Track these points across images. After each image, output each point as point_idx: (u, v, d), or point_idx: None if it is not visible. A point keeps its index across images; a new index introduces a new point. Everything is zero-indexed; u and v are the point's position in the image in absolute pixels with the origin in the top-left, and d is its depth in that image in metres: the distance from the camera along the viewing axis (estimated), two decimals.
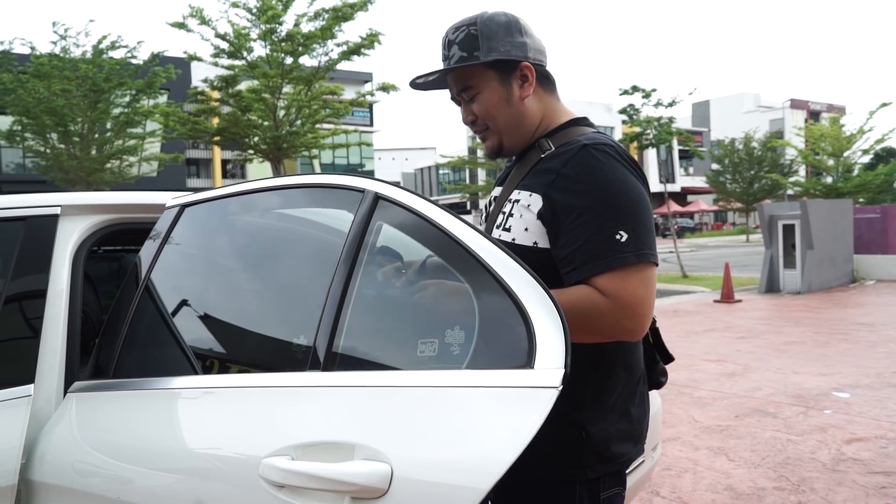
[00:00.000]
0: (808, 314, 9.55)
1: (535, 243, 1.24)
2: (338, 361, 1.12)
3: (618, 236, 1.13)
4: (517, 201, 1.28)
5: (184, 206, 1.63)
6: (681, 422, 4.67)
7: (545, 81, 1.33)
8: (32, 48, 18.29)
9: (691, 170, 57.70)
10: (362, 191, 1.24)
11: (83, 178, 19.24)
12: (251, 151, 15.53)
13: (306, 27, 14.17)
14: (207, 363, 1.46)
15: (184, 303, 1.57)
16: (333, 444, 1.02)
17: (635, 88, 15.55)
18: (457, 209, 51.12)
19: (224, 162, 37.34)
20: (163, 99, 21.71)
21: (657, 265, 1.18)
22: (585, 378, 1.23)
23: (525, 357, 0.93)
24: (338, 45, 14.45)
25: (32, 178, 23.13)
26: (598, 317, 1.14)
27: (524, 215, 1.25)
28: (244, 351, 1.43)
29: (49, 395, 1.57)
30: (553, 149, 1.28)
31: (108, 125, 19.70)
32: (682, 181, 56.75)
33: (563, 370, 0.89)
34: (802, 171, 36.29)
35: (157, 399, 1.42)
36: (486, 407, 0.94)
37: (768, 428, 4.45)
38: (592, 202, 1.16)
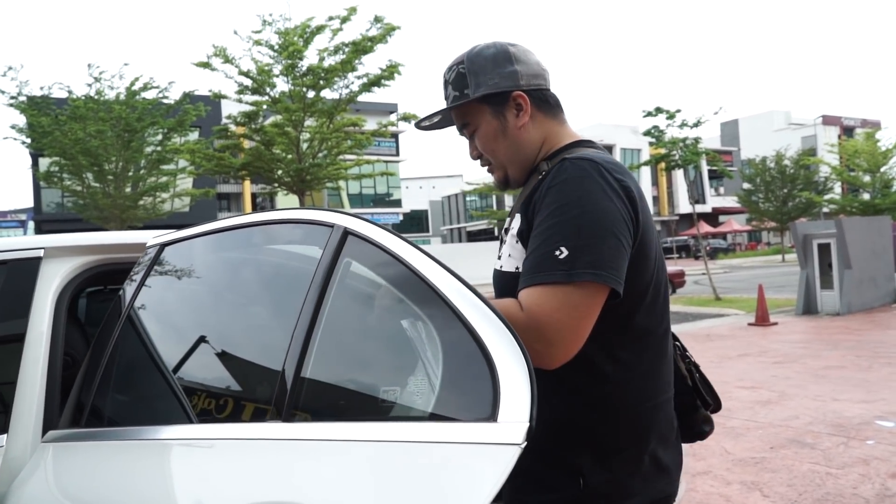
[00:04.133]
0: (848, 336, 9.16)
1: (517, 268, 1.17)
2: (299, 411, 1.05)
3: (557, 252, 1.04)
4: (509, 228, 1.24)
5: (163, 246, 1.59)
6: (712, 454, 4.45)
7: (544, 106, 1.28)
8: (70, 92, 18.99)
9: (722, 190, 56.86)
10: (331, 226, 1.18)
11: (117, 215, 19.77)
12: (276, 185, 15.76)
13: (327, 61, 14.44)
14: (179, 411, 1.40)
15: (158, 346, 1.51)
16: None
17: (659, 110, 15.41)
18: (484, 235, 51.07)
19: (254, 196, 38.04)
20: (194, 136, 22.28)
21: (606, 285, 1.04)
22: (585, 419, 1.13)
23: (489, 408, 0.85)
24: (358, 77, 14.68)
25: (71, 216, 23.81)
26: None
27: (508, 240, 1.22)
28: (215, 399, 1.36)
29: (24, 444, 1.52)
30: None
31: (142, 163, 20.26)
32: (712, 201, 55.90)
33: (528, 424, 0.81)
34: (838, 188, 35.43)
35: (131, 451, 1.35)
36: (445, 466, 0.86)
37: (806, 460, 4.20)
38: (549, 215, 1.09)
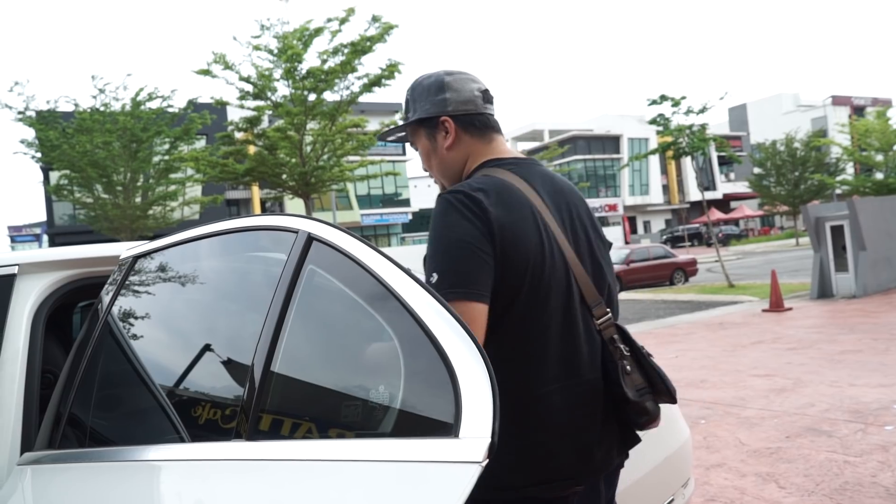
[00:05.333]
0: (865, 319, 9.00)
1: None
2: (263, 426, 1.00)
3: (431, 279, 1.18)
4: None
5: (136, 258, 1.55)
6: (726, 445, 4.36)
7: (470, 128, 1.42)
8: (76, 105, 19.13)
9: (732, 175, 56.35)
10: (296, 231, 1.14)
11: (127, 225, 19.90)
12: (281, 189, 15.76)
13: (327, 63, 14.41)
14: (157, 429, 1.35)
15: (134, 360, 1.47)
16: None
17: (664, 98, 15.25)
18: None
19: (262, 201, 38.17)
20: (201, 143, 22.40)
21: (476, 301, 1.16)
22: None
23: (451, 422, 0.80)
24: (359, 78, 14.63)
25: (82, 228, 24.03)
26: None
27: None
28: (186, 417, 1.31)
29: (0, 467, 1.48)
30: None
31: (150, 173, 20.38)
32: (723, 188, 55.39)
33: (490, 440, 0.76)
34: (850, 168, 34.95)
35: (110, 473, 1.31)
36: (404, 485, 0.81)
37: (823, 449, 4.11)
38: (428, 249, 1.24)
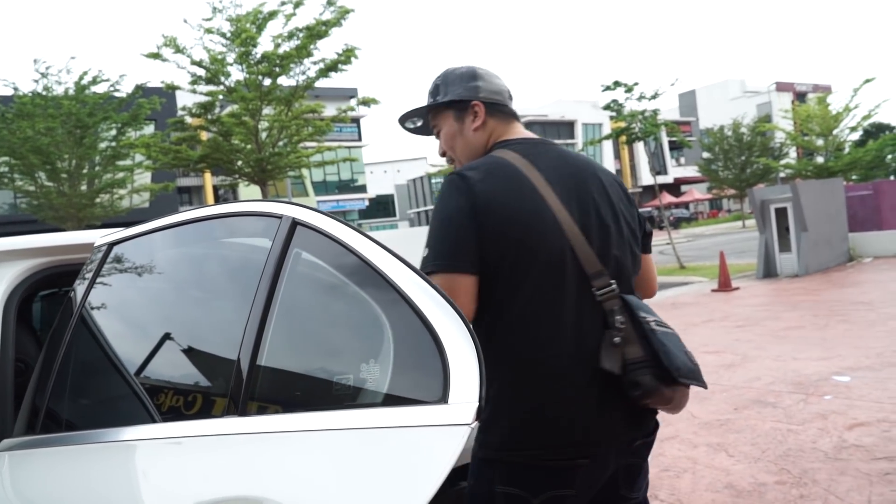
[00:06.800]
0: (807, 297, 9.46)
1: None
2: (255, 404, 1.05)
3: (424, 253, 1.29)
4: None
5: (111, 245, 1.55)
6: (678, 419, 4.57)
7: (497, 114, 1.54)
8: (15, 89, 18.29)
9: (683, 160, 57.74)
10: (279, 217, 1.18)
11: (74, 214, 19.20)
12: (236, 176, 15.47)
13: (282, 47, 14.15)
14: (135, 411, 1.38)
15: (111, 346, 1.49)
16: (242, 500, 0.94)
17: (617, 84, 15.52)
18: None
19: (215, 188, 37.31)
20: (149, 129, 21.71)
21: (460, 272, 1.25)
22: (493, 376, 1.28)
23: (440, 391, 0.87)
24: (315, 62, 14.43)
25: (25, 218, 23.05)
26: None
27: None
28: (171, 396, 1.35)
29: None
30: None
31: (96, 160, 19.67)
32: (674, 172, 56.75)
33: (478, 404, 0.83)
34: (793, 153, 36.29)
35: (89, 455, 1.33)
36: (399, 449, 0.88)
37: (768, 419, 4.35)
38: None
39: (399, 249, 1.05)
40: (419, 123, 1.65)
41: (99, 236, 1.62)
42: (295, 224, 1.15)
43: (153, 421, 1.32)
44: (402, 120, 1.66)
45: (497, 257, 1.28)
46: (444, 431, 0.82)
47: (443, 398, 0.85)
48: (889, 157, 30.09)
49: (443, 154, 1.60)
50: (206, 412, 1.19)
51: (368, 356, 0.97)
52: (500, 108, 1.55)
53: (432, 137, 1.63)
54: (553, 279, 1.30)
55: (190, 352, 1.35)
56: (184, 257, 1.51)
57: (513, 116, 1.57)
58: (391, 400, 0.92)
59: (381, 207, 56.97)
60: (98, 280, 1.53)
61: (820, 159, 27.58)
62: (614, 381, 1.30)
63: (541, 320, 1.29)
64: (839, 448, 3.71)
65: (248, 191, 29.37)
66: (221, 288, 1.42)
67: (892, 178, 33.88)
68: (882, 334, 6.50)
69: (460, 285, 1.24)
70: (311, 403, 1.04)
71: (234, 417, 1.05)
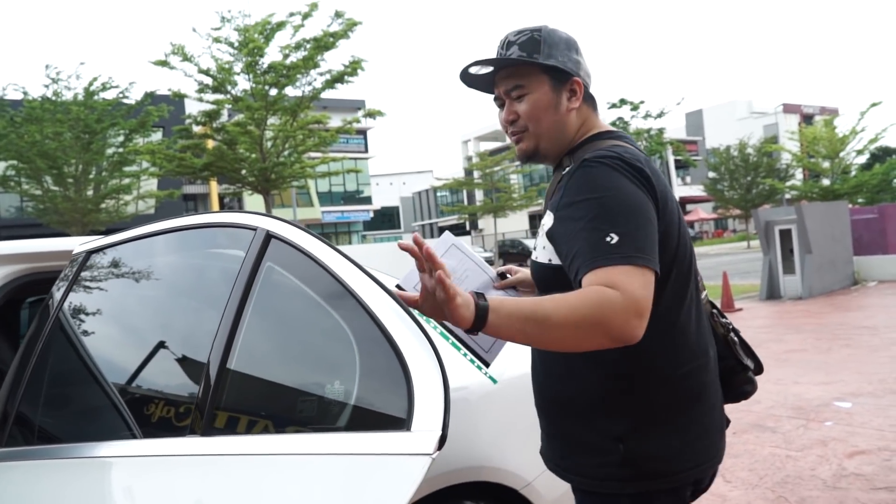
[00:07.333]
0: (810, 320, 9.37)
1: (550, 260, 1.26)
2: (218, 424, 1.01)
3: (608, 238, 1.10)
4: (544, 223, 1.31)
5: (89, 253, 1.52)
6: None
7: (589, 99, 1.38)
8: (25, 93, 18.44)
9: (688, 179, 57.74)
10: (254, 229, 1.15)
11: (78, 219, 19.28)
12: (240, 185, 15.51)
13: (289, 58, 14.24)
14: (108, 425, 1.34)
15: (86, 356, 1.45)
16: None
17: (623, 101, 15.57)
18: (456, 230, 50.89)
19: (221, 196, 37.43)
20: (157, 136, 21.83)
21: (654, 271, 1.12)
22: (621, 389, 1.22)
23: (404, 416, 0.84)
24: (321, 74, 14.51)
25: (30, 221, 23.19)
26: (610, 311, 1.04)
27: (540, 235, 1.30)
28: (139, 414, 1.31)
29: None
30: (571, 165, 1.30)
31: (103, 165, 19.78)
32: (679, 191, 56.66)
33: (441, 432, 0.80)
34: (799, 174, 36.23)
35: (62, 471, 1.29)
36: (360, 476, 0.84)
37: (767, 444, 4.27)
38: (585, 211, 1.15)
39: (403, 260, 1.01)
40: (483, 72, 1.34)
41: (78, 244, 1.59)
42: (269, 237, 1.12)
43: (120, 437, 1.28)
44: (473, 63, 1.33)
45: (669, 262, 1.21)
46: (405, 461, 0.78)
47: (406, 425, 0.81)
48: (895, 181, 30.00)
49: (511, 122, 1.35)
50: (170, 430, 1.15)
51: (334, 377, 0.94)
52: (591, 94, 1.39)
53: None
54: (696, 287, 1.30)
55: (160, 366, 1.32)
56: (159, 267, 1.48)
57: (595, 106, 1.42)
58: (355, 424, 0.89)
59: (386, 219, 57.08)
60: (74, 288, 1.49)
61: (826, 181, 27.52)
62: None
63: (693, 329, 1.27)
64: (839, 476, 3.63)
65: (253, 200, 29.45)
66: (190, 300, 1.38)
67: None
68: (885, 360, 6.41)
69: (653, 284, 1.11)
70: (275, 426, 1.00)
71: (195, 437, 1.01)
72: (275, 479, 0.90)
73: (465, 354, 1.24)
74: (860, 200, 25.94)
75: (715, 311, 1.39)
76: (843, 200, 18.17)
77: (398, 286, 1.21)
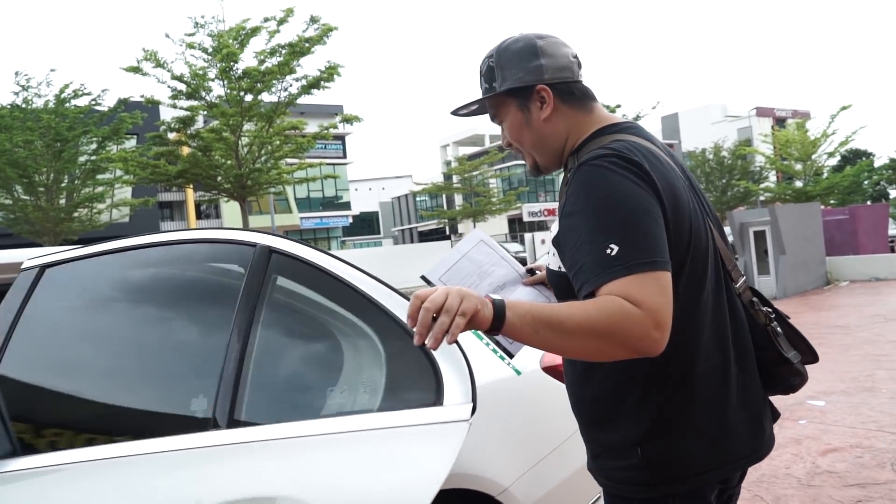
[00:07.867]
0: None
1: (560, 267, 1.23)
2: (242, 418, 1.07)
3: (608, 250, 1.07)
4: (552, 229, 1.30)
5: (43, 267, 1.47)
6: None
7: (569, 98, 1.30)
8: None
9: None
10: (254, 245, 1.20)
11: (50, 228, 18.92)
12: (216, 192, 15.36)
13: (264, 64, 14.16)
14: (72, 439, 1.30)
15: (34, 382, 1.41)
16: (253, 500, 0.98)
17: None
18: (436, 235, 51.06)
19: (197, 204, 37.01)
20: (131, 143, 21.53)
21: (665, 270, 1.07)
22: (636, 392, 1.19)
23: (434, 395, 0.94)
24: (297, 79, 14.45)
25: (0, 231, 22.69)
26: (627, 322, 1.01)
27: (548, 240, 1.33)
28: (127, 420, 1.30)
29: None
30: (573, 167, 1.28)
31: (75, 173, 19.45)
32: None
33: (472, 404, 0.90)
34: (773, 176, 36.87)
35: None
36: (402, 444, 0.92)
37: None
38: (582, 221, 1.12)
39: (383, 266, 1.04)
40: (474, 107, 1.37)
41: (26, 257, 1.52)
42: (271, 252, 1.22)
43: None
44: (456, 113, 1.40)
45: (681, 256, 1.15)
46: (444, 427, 0.89)
47: (437, 401, 0.93)
48: (866, 182, 30.66)
49: (508, 146, 1.38)
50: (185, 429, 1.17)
51: (363, 371, 1.04)
52: (572, 91, 1.29)
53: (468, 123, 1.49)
54: (716, 277, 1.24)
55: (156, 376, 1.31)
56: (127, 286, 1.43)
57: (589, 98, 1.32)
58: (387, 407, 0.98)
59: (366, 225, 56.93)
60: (26, 310, 1.42)
61: (799, 183, 28.03)
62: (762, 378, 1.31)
63: (713, 323, 1.22)
64: (812, 474, 3.67)
65: (230, 207, 29.16)
66: (190, 317, 1.36)
67: (868, 203, 34.51)
68: (856, 358, 6.52)
69: (669, 284, 1.07)
70: (307, 414, 1.07)
71: (218, 431, 1.09)
72: (330, 455, 0.96)
73: (487, 344, 1.27)
74: (832, 202, 26.47)
75: (756, 298, 1.31)
76: (816, 202, 18.53)
77: (423, 277, 1.20)
